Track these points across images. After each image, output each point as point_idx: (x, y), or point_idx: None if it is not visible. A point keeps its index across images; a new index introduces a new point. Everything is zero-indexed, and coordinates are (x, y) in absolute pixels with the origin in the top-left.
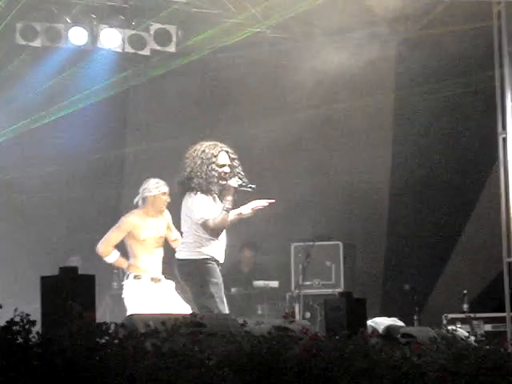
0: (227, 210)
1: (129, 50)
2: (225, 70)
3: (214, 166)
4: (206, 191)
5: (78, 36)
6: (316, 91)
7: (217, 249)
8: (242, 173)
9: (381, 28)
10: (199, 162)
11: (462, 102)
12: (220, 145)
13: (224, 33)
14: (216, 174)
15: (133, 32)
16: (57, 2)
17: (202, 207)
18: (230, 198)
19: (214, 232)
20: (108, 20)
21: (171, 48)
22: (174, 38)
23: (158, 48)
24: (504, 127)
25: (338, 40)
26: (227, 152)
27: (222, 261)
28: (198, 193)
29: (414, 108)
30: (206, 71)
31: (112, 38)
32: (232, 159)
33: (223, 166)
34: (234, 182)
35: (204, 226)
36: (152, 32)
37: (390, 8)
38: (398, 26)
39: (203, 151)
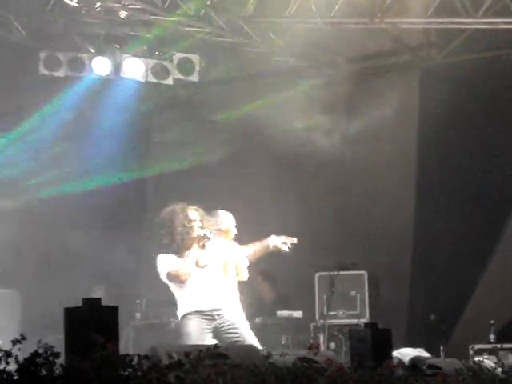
0: None
1: (152, 79)
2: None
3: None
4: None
5: (101, 66)
6: (341, 118)
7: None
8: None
9: (405, 56)
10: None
11: (486, 130)
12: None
13: (247, 62)
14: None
15: (156, 61)
16: (80, 32)
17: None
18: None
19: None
20: (131, 50)
21: (194, 77)
22: (197, 68)
23: (181, 77)
24: None
25: (360, 68)
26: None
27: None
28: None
29: (438, 136)
30: (230, 98)
31: (135, 68)
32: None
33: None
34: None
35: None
36: (175, 61)
37: (414, 36)
38: (422, 53)
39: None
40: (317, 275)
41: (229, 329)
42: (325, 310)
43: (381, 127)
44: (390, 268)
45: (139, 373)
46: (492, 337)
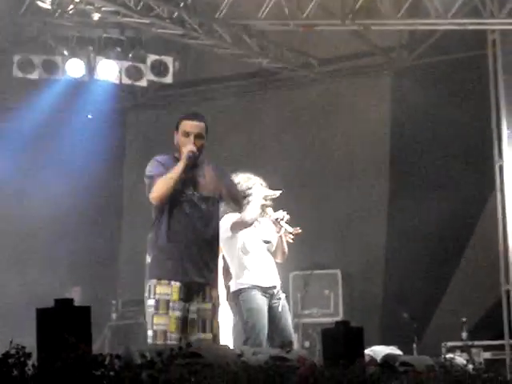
0: None
1: (126, 81)
2: (222, 100)
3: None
4: None
5: (75, 68)
6: (313, 121)
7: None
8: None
9: (377, 57)
10: None
11: (458, 131)
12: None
13: (221, 64)
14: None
15: (130, 63)
16: (54, 34)
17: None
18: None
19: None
20: (105, 52)
21: (168, 79)
22: (171, 69)
23: (155, 79)
24: (500, 155)
25: (333, 69)
26: (261, 185)
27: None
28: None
29: (410, 137)
30: (205, 100)
31: (109, 70)
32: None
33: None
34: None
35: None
36: (149, 63)
37: (386, 37)
38: (394, 55)
39: (238, 183)
40: (291, 275)
41: (281, 310)
42: (299, 309)
43: (353, 128)
44: (363, 267)
45: (112, 372)
46: (464, 334)
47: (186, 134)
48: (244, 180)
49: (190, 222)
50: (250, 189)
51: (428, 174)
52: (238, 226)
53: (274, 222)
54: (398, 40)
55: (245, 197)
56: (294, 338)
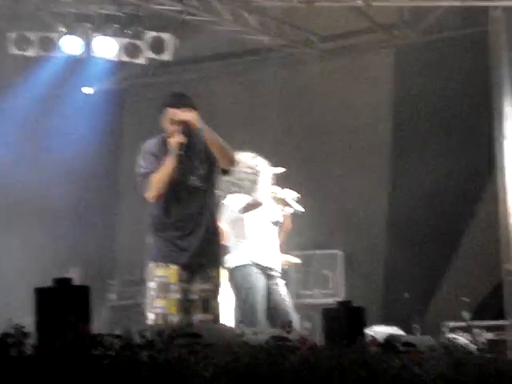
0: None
1: (124, 58)
2: (222, 78)
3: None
4: None
5: (72, 45)
6: (314, 98)
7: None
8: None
9: (378, 34)
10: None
11: (460, 108)
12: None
13: (220, 41)
14: None
15: (127, 40)
16: (50, 11)
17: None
18: None
19: None
20: (102, 29)
21: (166, 56)
22: (169, 46)
23: (153, 56)
24: (501, 133)
25: (334, 46)
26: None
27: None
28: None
29: (413, 115)
30: (205, 78)
31: (106, 47)
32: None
33: None
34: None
35: None
36: (147, 40)
37: (388, 14)
38: (396, 32)
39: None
40: (291, 255)
41: (281, 292)
42: (300, 289)
43: (355, 105)
44: (364, 247)
45: (111, 352)
46: (466, 314)
47: (173, 123)
48: (248, 158)
49: (187, 204)
50: (256, 167)
51: (430, 153)
52: (250, 208)
53: (281, 201)
54: (399, 17)
55: (254, 176)
56: (296, 319)
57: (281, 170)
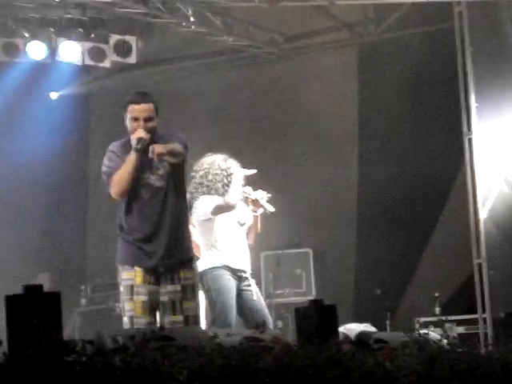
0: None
1: (89, 62)
2: (188, 79)
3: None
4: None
5: (36, 50)
6: (281, 98)
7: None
8: None
9: (342, 33)
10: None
11: (426, 104)
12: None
13: (185, 42)
14: None
15: (92, 44)
16: (14, 16)
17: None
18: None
19: None
20: (66, 33)
21: (131, 59)
22: (134, 49)
23: (119, 59)
24: (469, 128)
25: (299, 46)
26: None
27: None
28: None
29: (379, 112)
30: (169, 81)
31: (71, 51)
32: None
33: None
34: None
35: None
36: (111, 44)
37: (351, 12)
38: (359, 29)
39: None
40: (262, 254)
41: (253, 293)
42: (271, 289)
43: (321, 103)
44: (334, 245)
45: (84, 358)
46: (437, 309)
47: (135, 119)
48: (221, 160)
49: (150, 206)
50: (229, 169)
51: (397, 149)
52: (221, 210)
53: (253, 202)
54: (363, 14)
55: (226, 178)
56: (270, 319)
57: (253, 171)
